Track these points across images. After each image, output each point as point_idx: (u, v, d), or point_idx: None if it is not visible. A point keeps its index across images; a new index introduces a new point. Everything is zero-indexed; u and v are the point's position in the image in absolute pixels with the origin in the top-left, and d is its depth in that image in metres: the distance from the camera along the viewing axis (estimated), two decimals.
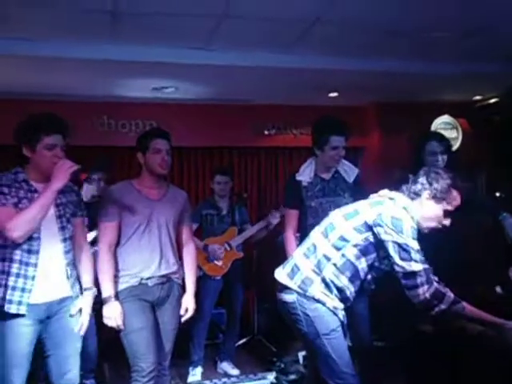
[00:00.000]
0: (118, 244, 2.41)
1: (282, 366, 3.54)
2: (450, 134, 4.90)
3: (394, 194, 2.12)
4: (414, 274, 1.94)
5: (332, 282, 2.07)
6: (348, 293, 2.11)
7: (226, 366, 3.65)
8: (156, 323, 2.40)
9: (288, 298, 2.11)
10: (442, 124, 4.89)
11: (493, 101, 4.80)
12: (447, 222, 2.07)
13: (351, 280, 2.09)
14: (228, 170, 3.86)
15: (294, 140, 4.92)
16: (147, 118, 4.55)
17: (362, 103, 4.86)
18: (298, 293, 2.09)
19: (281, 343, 4.04)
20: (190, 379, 3.47)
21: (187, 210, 2.60)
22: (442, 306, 1.93)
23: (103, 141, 4.44)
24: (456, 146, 4.93)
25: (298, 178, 2.85)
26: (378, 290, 2.34)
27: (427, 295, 1.93)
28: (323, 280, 2.07)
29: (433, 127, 4.83)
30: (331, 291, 2.08)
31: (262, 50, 3.37)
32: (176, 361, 2.50)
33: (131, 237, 2.39)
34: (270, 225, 3.67)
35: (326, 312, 2.07)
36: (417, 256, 1.95)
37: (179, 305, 2.49)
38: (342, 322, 2.11)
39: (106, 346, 2.97)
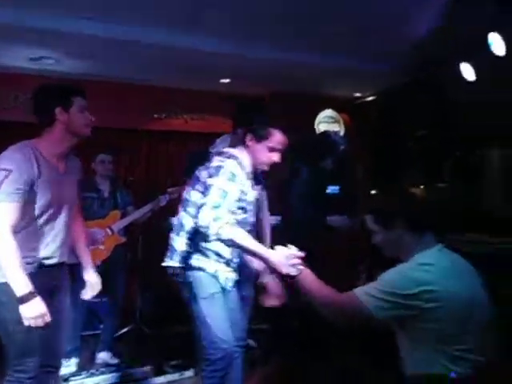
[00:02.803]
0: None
1: (165, 353, 3.51)
2: (332, 127, 5.21)
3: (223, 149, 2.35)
4: (204, 204, 2.08)
5: (206, 248, 2.29)
6: (227, 254, 2.32)
7: (105, 356, 3.51)
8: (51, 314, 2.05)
9: (175, 271, 2.35)
10: (326, 118, 5.17)
11: (370, 99, 5.18)
12: (276, 157, 2.30)
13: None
14: (111, 149, 3.68)
15: (186, 125, 4.86)
16: (25, 90, 4.15)
17: (252, 91, 4.94)
18: (181, 267, 2.32)
19: (164, 331, 3.99)
20: (63, 371, 3.26)
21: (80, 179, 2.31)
22: (216, 226, 2.00)
23: None
24: None
25: (212, 150, 2.80)
26: None
27: (209, 218, 2.02)
28: (197, 249, 2.29)
29: (317, 120, 5.09)
30: (208, 257, 2.29)
31: (152, 27, 3.24)
32: None
33: (36, 219, 2.00)
34: (156, 207, 3.63)
35: (206, 277, 2.29)
36: (216, 192, 2.09)
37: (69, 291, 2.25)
38: (223, 288, 2.31)
39: None
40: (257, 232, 2.93)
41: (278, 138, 2.28)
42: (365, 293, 1.59)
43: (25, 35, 3.23)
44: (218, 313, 2.26)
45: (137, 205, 3.77)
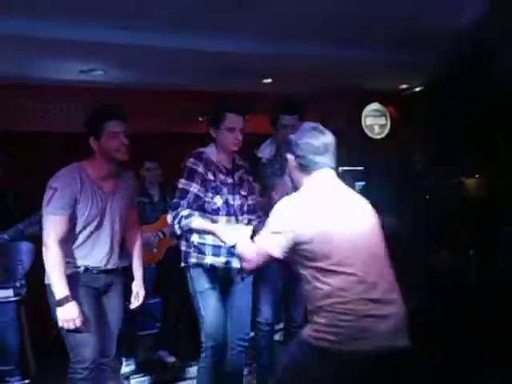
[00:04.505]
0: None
1: None
2: (379, 121, 5.11)
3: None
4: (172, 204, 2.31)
5: (202, 244, 2.40)
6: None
7: (163, 354, 3.62)
8: (99, 312, 2.29)
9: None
10: (372, 111, 5.07)
11: (418, 89, 5.03)
12: (238, 136, 2.38)
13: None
14: (156, 156, 3.79)
15: None
16: (74, 102, 4.34)
17: (295, 90, 4.91)
18: (185, 267, 2.46)
19: None
20: (123, 370, 3.41)
21: (135, 192, 2.49)
22: (175, 222, 2.26)
23: (25, 126, 4.14)
24: (385, 132, 5.15)
25: (259, 154, 2.89)
26: None
27: (171, 218, 2.29)
28: (195, 247, 2.42)
29: (363, 115, 4.99)
30: (205, 252, 2.40)
31: (189, 32, 3.29)
32: None
33: (81, 232, 2.22)
34: None
35: (204, 272, 2.42)
36: (177, 193, 2.31)
37: (123, 293, 2.42)
38: (225, 278, 2.44)
39: (30, 339, 2.83)
40: None
41: (231, 117, 2.37)
42: (260, 237, 1.81)
43: (75, 49, 3.38)
44: (211, 306, 2.41)
45: None
